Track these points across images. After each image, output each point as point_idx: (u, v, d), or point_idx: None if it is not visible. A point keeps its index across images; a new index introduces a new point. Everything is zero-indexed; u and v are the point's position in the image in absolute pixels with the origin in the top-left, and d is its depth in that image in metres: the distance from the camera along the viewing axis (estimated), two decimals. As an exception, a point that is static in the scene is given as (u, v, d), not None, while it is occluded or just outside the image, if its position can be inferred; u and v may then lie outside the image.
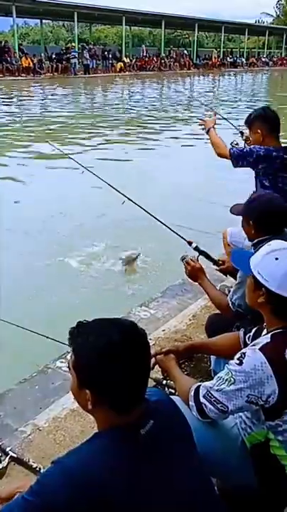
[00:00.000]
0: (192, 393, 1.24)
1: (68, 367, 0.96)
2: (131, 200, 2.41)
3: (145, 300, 2.87)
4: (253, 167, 2.42)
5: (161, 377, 1.54)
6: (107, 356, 0.87)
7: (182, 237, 2.28)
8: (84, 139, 9.16)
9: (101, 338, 0.89)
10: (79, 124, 11.03)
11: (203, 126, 2.77)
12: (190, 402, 1.24)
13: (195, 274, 1.92)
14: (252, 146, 2.42)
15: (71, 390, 0.96)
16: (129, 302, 2.99)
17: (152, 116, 12.12)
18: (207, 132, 2.69)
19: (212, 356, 1.87)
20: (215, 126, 2.71)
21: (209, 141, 2.68)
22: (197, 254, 2.11)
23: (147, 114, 12.55)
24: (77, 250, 4.02)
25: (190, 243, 2.20)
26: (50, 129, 10.15)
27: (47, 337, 1.86)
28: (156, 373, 1.62)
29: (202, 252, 2.14)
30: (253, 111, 2.50)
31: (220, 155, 2.56)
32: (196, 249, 2.15)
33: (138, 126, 10.85)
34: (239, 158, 2.41)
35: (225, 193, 4.90)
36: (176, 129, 10.43)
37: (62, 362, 2.21)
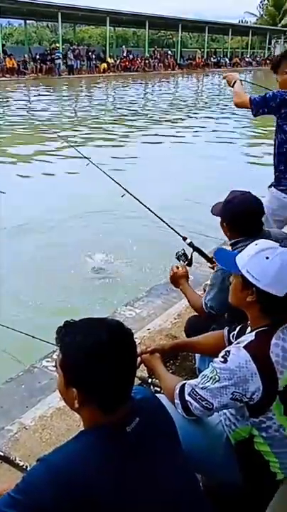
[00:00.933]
0: (177, 391, 1.25)
1: (55, 366, 0.96)
2: (131, 194, 2.47)
3: (131, 300, 2.90)
4: (276, 112, 2.37)
5: (147, 375, 1.55)
6: (94, 355, 0.88)
7: (177, 233, 2.31)
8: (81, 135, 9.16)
9: (89, 338, 0.90)
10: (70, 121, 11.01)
11: (227, 79, 2.71)
12: (176, 400, 1.25)
13: (177, 280, 1.98)
14: (275, 91, 2.37)
15: (58, 388, 0.97)
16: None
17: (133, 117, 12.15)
18: (233, 85, 2.62)
19: (196, 354, 1.88)
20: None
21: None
22: (191, 250, 2.14)
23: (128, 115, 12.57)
24: (65, 247, 4.02)
25: (184, 238, 2.22)
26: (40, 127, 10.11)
27: (33, 337, 1.87)
28: (142, 372, 1.63)
29: (196, 249, 2.16)
30: (281, 52, 2.49)
31: (238, 104, 2.51)
32: (190, 245, 2.16)
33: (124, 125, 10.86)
34: (259, 105, 2.37)
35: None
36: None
37: (48, 361, 2.22)
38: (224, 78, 2.83)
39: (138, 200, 2.55)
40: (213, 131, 10.68)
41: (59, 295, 3.28)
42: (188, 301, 1.95)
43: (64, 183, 6.33)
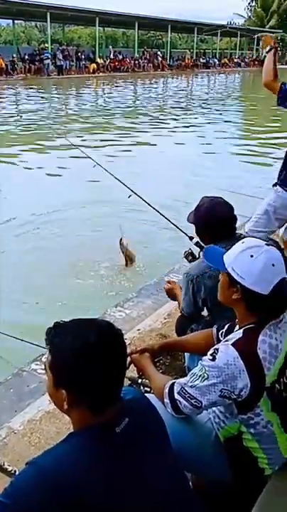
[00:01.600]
0: (167, 390, 1.25)
1: (44, 367, 0.96)
2: (137, 195, 2.52)
3: (121, 300, 2.89)
4: None
5: (136, 376, 1.55)
6: (84, 356, 0.88)
7: (184, 233, 2.31)
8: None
9: (78, 339, 0.89)
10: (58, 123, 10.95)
11: (263, 40, 2.58)
12: (165, 399, 1.25)
13: (173, 293, 2.06)
14: None
15: (47, 390, 0.96)
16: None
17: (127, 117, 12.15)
18: (268, 51, 2.47)
19: (186, 353, 1.89)
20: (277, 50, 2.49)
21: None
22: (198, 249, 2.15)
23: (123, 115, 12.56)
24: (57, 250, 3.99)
25: (191, 238, 2.23)
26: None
27: (21, 340, 1.86)
28: (131, 372, 1.63)
29: (202, 248, 2.19)
30: None
31: (267, 85, 2.42)
32: (197, 244, 2.18)
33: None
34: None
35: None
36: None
37: (37, 364, 2.20)
38: (262, 37, 2.71)
39: (145, 201, 2.58)
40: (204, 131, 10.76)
41: (50, 296, 3.25)
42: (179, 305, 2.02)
43: (63, 183, 6.26)
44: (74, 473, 0.83)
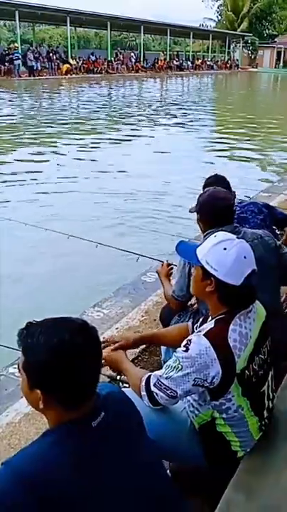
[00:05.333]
0: (143, 383, 1.29)
1: (18, 368, 0.95)
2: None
3: (99, 301, 2.90)
4: None
5: (115, 373, 1.57)
6: (58, 355, 0.87)
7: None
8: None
9: (52, 338, 0.88)
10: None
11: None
12: (142, 392, 1.28)
13: (165, 273, 2.14)
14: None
15: (22, 391, 0.95)
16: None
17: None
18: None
19: (162, 347, 1.94)
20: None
21: None
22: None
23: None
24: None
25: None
26: None
27: (-2, 344, 1.83)
28: (110, 370, 1.66)
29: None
30: None
31: None
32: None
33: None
34: None
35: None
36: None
37: (14, 368, 2.18)
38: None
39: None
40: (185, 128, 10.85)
41: (26, 299, 3.21)
42: (163, 292, 2.09)
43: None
44: (48, 469, 0.84)
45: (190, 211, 1.91)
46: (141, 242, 4.04)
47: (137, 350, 2.25)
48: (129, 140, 9.54)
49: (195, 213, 1.85)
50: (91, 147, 8.62)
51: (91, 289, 3.26)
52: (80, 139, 9.34)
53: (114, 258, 3.36)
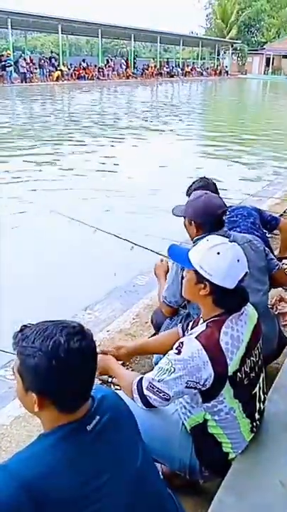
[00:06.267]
0: (135, 386, 1.29)
1: (13, 372, 0.95)
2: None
3: (90, 303, 2.90)
4: None
5: (107, 376, 1.56)
6: (53, 358, 0.87)
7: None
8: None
9: (47, 341, 0.88)
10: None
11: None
12: (135, 395, 1.28)
13: (160, 272, 2.10)
14: None
15: (17, 394, 0.95)
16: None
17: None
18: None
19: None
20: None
21: None
22: None
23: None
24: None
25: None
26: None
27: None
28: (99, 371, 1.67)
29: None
30: None
31: None
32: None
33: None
34: None
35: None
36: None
37: (6, 370, 2.17)
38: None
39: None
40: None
41: (15, 302, 3.20)
42: (158, 292, 2.06)
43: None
44: (44, 473, 0.84)
45: (174, 214, 1.88)
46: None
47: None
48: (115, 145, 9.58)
49: (182, 217, 1.83)
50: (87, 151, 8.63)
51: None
52: (83, 143, 9.35)
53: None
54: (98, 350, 1.52)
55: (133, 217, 4.80)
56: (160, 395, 1.24)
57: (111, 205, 5.21)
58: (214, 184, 2.26)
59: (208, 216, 1.73)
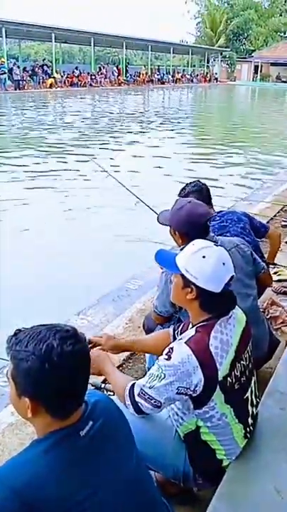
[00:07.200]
0: (127, 393, 1.28)
1: (6, 377, 0.94)
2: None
3: (83, 308, 2.90)
4: None
5: (100, 381, 1.56)
6: (47, 362, 0.86)
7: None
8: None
9: (40, 344, 0.87)
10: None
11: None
12: (126, 402, 1.27)
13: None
14: None
15: (10, 399, 0.94)
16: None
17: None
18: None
19: (147, 355, 1.94)
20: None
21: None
22: None
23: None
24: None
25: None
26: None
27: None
28: (95, 378, 1.66)
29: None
30: None
31: None
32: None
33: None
34: None
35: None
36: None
37: (-2, 377, 2.16)
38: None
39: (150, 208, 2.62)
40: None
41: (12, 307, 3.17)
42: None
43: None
44: (37, 479, 0.84)
45: (159, 222, 1.84)
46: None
47: (122, 357, 2.25)
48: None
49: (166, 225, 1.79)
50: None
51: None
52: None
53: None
54: (87, 338, 1.52)
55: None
56: (152, 401, 1.23)
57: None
58: (207, 189, 2.26)
59: (192, 225, 1.70)
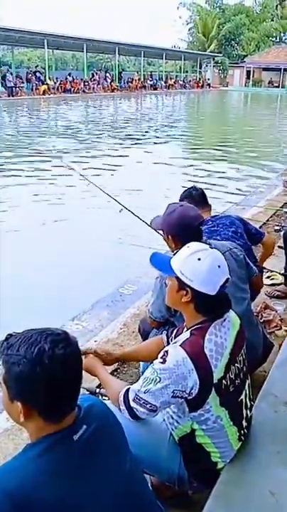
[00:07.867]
0: (122, 398, 1.28)
1: None
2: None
3: (77, 313, 2.89)
4: None
5: (95, 386, 1.57)
6: (38, 366, 0.86)
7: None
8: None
9: (31, 348, 0.87)
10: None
11: None
12: (121, 407, 1.27)
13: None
14: None
15: (2, 404, 0.93)
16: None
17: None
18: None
19: (140, 360, 1.95)
20: None
21: None
22: None
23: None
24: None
25: None
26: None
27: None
28: (90, 383, 1.65)
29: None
30: None
31: None
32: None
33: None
34: None
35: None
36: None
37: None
38: None
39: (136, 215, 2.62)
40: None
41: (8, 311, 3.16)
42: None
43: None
44: (30, 483, 0.83)
45: (151, 227, 1.85)
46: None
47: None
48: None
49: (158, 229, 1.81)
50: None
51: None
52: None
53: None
54: (92, 350, 1.51)
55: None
56: (147, 406, 1.23)
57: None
58: (200, 194, 2.26)
59: (184, 228, 1.71)
